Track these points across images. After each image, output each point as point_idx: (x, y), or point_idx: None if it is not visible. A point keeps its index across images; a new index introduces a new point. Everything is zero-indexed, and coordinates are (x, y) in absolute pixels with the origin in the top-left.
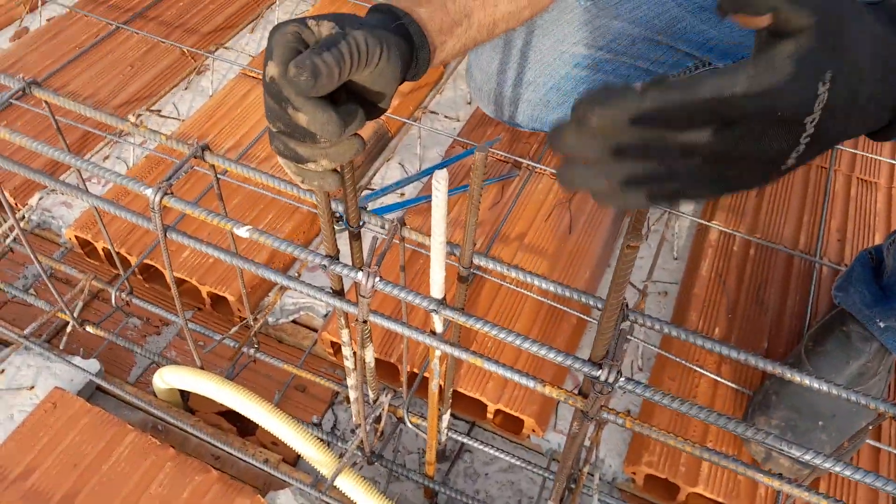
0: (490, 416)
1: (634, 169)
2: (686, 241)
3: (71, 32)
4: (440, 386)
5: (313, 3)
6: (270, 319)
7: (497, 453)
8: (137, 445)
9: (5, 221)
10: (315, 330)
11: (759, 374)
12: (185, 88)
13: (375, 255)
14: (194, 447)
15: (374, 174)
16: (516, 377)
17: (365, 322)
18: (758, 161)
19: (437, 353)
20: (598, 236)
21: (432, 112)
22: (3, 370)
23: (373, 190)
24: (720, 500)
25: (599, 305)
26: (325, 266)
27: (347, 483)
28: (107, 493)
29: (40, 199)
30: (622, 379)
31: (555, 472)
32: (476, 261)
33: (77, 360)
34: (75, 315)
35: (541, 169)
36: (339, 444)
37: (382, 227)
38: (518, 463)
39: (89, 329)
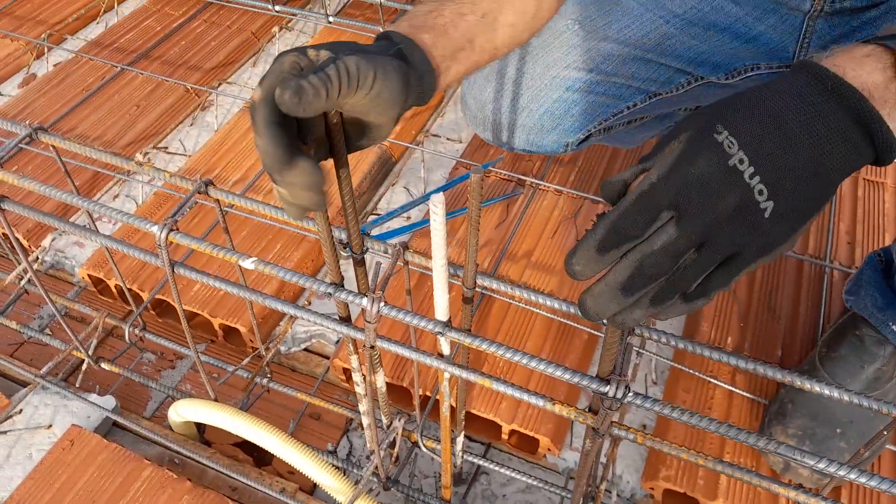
0: (505, 436)
1: (645, 290)
2: None
3: (78, 76)
4: (452, 408)
5: (313, 35)
6: (283, 348)
7: (514, 474)
8: (154, 480)
9: (19, 264)
10: (327, 357)
11: (775, 382)
12: (191, 124)
13: (380, 281)
14: (211, 479)
15: (380, 199)
16: (525, 396)
17: (373, 347)
18: (739, 220)
19: (447, 375)
20: None
21: (434, 135)
22: (21, 410)
23: (378, 215)
24: None
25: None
26: (330, 294)
27: None
28: None
29: (53, 240)
30: (630, 394)
31: (571, 491)
32: (481, 281)
33: (93, 397)
34: (90, 353)
35: (545, 186)
36: (355, 470)
37: (386, 253)
38: (535, 483)
39: (104, 366)
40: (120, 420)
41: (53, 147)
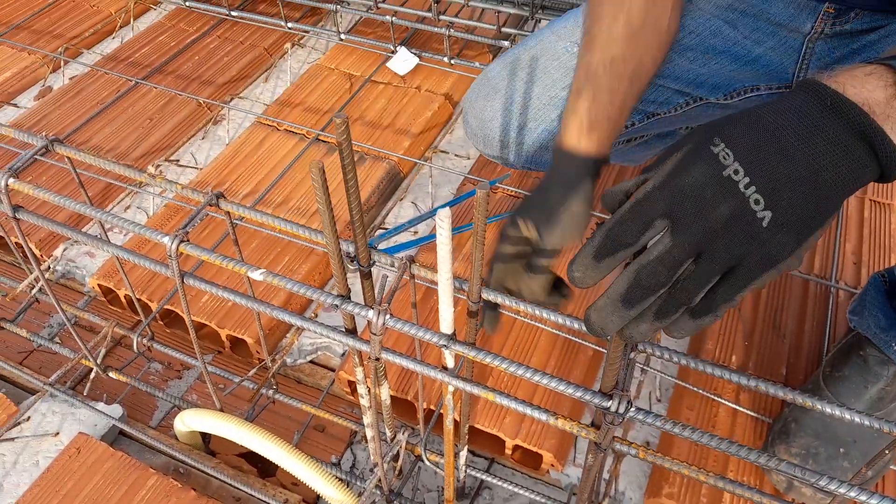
0: (508, 451)
1: (646, 303)
2: None
3: (93, 90)
4: (456, 422)
5: (324, 52)
6: (289, 360)
7: (516, 489)
8: (159, 488)
9: (31, 273)
10: (333, 370)
11: (779, 401)
12: (203, 138)
13: (386, 294)
14: (216, 489)
15: (388, 213)
16: (528, 411)
17: (377, 359)
18: (734, 229)
19: (450, 388)
20: None
21: (443, 151)
22: (29, 417)
23: (386, 229)
24: None
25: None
26: (336, 305)
27: None
28: None
29: (65, 249)
30: (632, 409)
31: None
32: (486, 295)
33: (100, 405)
34: (98, 361)
35: None
36: (358, 483)
37: (393, 266)
38: (538, 498)
39: (112, 375)
40: (126, 429)
41: (68, 158)
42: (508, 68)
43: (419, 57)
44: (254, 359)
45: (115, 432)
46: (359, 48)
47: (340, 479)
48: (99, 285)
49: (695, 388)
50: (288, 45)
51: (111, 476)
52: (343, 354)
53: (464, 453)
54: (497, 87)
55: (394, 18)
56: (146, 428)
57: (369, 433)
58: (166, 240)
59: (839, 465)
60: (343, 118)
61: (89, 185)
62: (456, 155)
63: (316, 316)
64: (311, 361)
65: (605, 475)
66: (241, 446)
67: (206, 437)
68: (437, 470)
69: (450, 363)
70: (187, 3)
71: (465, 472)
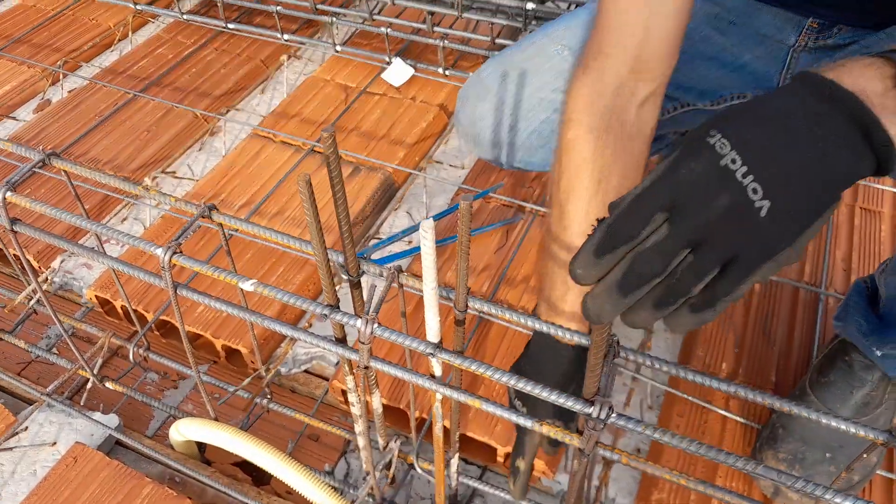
0: (500, 459)
1: (641, 291)
2: None
3: (91, 102)
4: (446, 429)
5: (320, 64)
6: (283, 370)
7: (509, 497)
8: (155, 497)
9: (29, 285)
10: (327, 379)
11: (768, 407)
12: (199, 149)
13: (374, 303)
14: (211, 498)
15: (382, 223)
16: (514, 417)
17: (367, 368)
18: (732, 218)
19: (438, 396)
20: None
21: (437, 161)
22: (26, 427)
23: (380, 239)
24: None
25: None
26: (325, 315)
27: None
28: None
29: (62, 261)
30: (614, 415)
31: None
32: (473, 304)
33: (97, 415)
34: (95, 372)
35: (544, 212)
36: (352, 491)
37: (382, 276)
38: None
39: (109, 385)
40: (123, 438)
41: (65, 172)
42: (501, 69)
43: (414, 68)
44: (249, 369)
45: (112, 442)
46: (354, 60)
47: (334, 488)
48: (96, 296)
49: (685, 396)
50: (284, 56)
51: (107, 485)
52: (337, 364)
53: (455, 461)
54: (489, 88)
55: (389, 30)
56: (142, 437)
57: (361, 441)
58: (159, 251)
59: (825, 470)
60: (330, 132)
61: (88, 196)
62: (451, 165)
63: (310, 326)
64: (305, 371)
65: (595, 481)
66: (237, 455)
67: (201, 446)
68: (430, 478)
69: (437, 371)
70: (185, 16)
71: (458, 479)
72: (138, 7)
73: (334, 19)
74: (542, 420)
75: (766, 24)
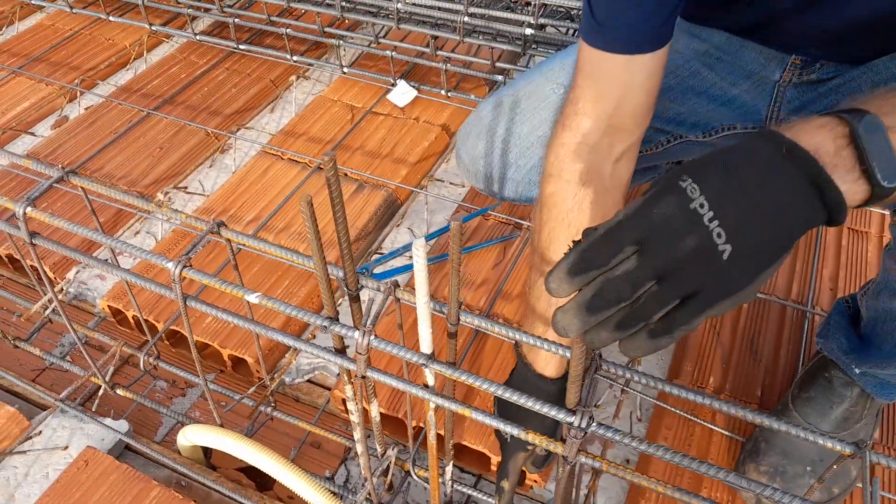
0: (494, 468)
1: (607, 312)
2: None
3: (107, 119)
4: (441, 437)
5: (328, 84)
6: (287, 379)
7: None
8: (162, 500)
9: (45, 295)
10: (329, 389)
11: None
12: (210, 166)
13: (372, 316)
14: (216, 501)
15: (384, 238)
16: (501, 425)
17: (364, 377)
18: (698, 258)
19: (432, 405)
20: None
21: (439, 180)
22: (40, 432)
23: (382, 254)
24: None
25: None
26: (325, 326)
27: None
28: None
29: (77, 272)
30: (594, 424)
31: None
32: (464, 318)
33: (108, 420)
34: (107, 379)
35: None
36: (351, 496)
37: (380, 290)
38: None
39: (120, 392)
40: (132, 443)
41: (81, 188)
42: (499, 107)
43: (418, 90)
44: (254, 377)
45: (122, 446)
46: (360, 81)
47: (334, 493)
48: (109, 307)
49: (674, 409)
50: (293, 77)
51: (116, 487)
52: (339, 374)
53: (449, 468)
54: (489, 126)
55: (394, 53)
56: (150, 443)
57: (359, 448)
58: (170, 265)
59: (806, 483)
60: (331, 156)
61: (103, 210)
62: (451, 183)
63: (313, 337)
64: (308, 381)
65: (584, 490)
66: (241, 461)
67: (207, 451)
68: (426, 485)
69: (430, 381)
70: (198, 37)
71: (452, 486)
72: (153, 27)
73: (341, 42)
74: (525, 449)
75: (751, 60)
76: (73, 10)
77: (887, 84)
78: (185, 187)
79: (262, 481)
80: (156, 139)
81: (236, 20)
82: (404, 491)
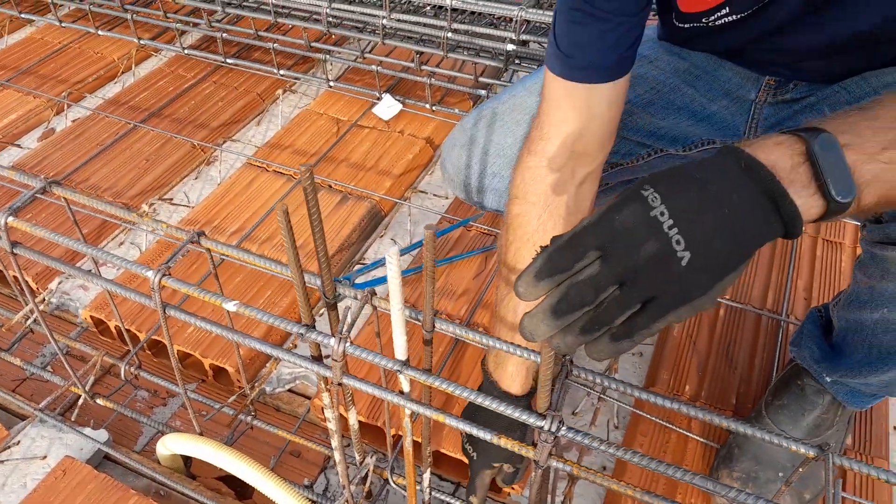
0: None
1: (572, 316)
2: None
3: (93, 132)
4: (418, 444)
5: (314, 98)
6: (268, 388)
7: None
8: None
9: (27, 305)
10: (310, 398)
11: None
12: (196, 178)
13: (348, 323)
14: None
15: (367, 249)
16: (475, 430)
17: (340, 384)
18: (657, 264)
19: (408, 411)
20: None
21: (422, 191)
22: (18, 441)
23: (364, 264)
24: None
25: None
26: (301, 334)
27: None
28: None
29: (59, 282)
30: (564, 428)
31: None
32: (439, 325)
33: (87, 430)
34: (87, 389)
35: None
36: None
37: (356, 298)
38: None
39: (100, 402)
40: (111, 452)
41: (64, 199)
42: (483, 120)
43: (402, 103)
44: (235, 387)
45: (101, 456)
46: (346, 95)
47: (313, 501)
48: (91, 316)
49: (650, 417)
50: (280, 91)
51: (94, 497)
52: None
53: (427, 476)
54: (473, 138)
55: (379, 68)
56: (130, 452)
57: (336, 456)
58: (150, 274)
59: (777, 489)
60: (308, 167)
61: (87, 220)
62: (435, 195)
63: (295, 346)
64: (289, 390)
65: (560, 496)
66: (221, 469)
67: (187, 460)
68: (404, 493)
69: (405, 387)
70: (186, 51)
71: (430, 494)
72: (142, 42)
73: (328, 56)
74: (491, 467)
75: (728, 80)
76: (63, 24)
77: (858, 103)
78: (171, 199)
79: (241, 490)
80: (142, 151)
81: (224, 35)
82: (383, 499)
